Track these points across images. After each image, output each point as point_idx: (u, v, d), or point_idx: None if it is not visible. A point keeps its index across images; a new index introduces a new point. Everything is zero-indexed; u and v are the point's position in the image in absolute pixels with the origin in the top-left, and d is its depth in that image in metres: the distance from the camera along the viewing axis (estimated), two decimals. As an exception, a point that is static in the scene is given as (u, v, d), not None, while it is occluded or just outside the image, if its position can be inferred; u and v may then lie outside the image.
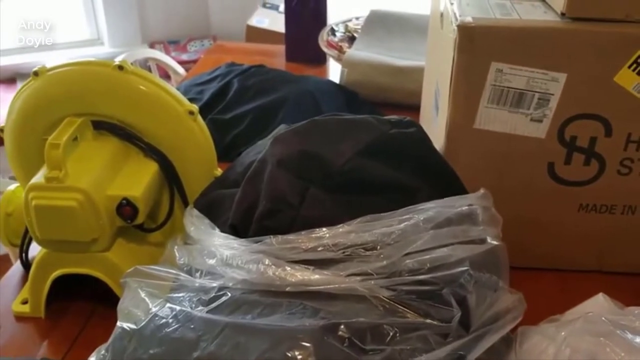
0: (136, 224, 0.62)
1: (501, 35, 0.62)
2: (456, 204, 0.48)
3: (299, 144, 0.52)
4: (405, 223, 0.45)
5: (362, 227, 0.45)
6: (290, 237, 0.46)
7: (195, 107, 0.66)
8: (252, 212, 0.50)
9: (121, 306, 0.48)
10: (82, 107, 0.64)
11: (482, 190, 0.52)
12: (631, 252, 0.71)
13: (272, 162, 0.51)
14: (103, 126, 0.64)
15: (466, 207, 0.48)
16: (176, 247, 0.52)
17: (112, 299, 0.63)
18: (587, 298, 0.57)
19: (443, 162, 0.54)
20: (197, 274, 0.48)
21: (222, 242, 0.48)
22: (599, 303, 0.50)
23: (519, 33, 0.62)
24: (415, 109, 1.05)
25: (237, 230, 0.50)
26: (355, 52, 1.14)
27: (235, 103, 1.03)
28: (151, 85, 0.64)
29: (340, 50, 1.17)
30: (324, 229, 0.45)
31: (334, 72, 1.25)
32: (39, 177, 0.59)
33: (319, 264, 0.44)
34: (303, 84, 1.08)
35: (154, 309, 0.45)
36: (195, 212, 0.55)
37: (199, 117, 0.67)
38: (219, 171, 0.69)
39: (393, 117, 0.56)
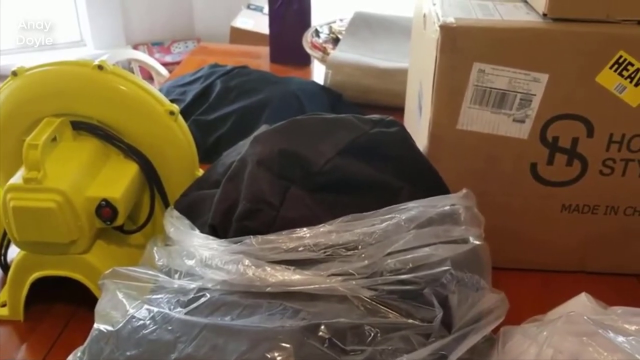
0: (116, 225, 0.61)
1: (483, 35, 0.62)
2: (438, 204, 0.48)
3: (279, 143, 0.52)
4: (387, 222, 0.45)
5: (343, 226, 0.45)
6: (271, 237, 0.45)
7: (175, 107, 0.65)
8: (232, 212, 0.49)
9: (99, 308, 0.47)
10: (61, 107, 0.63)
11: (464, 190, 0.52)
12: (614, 253, 0.71)
13: (252, 162, 0.51)
14: (82, 126, 0.63)
15: (448, 207, 0.48)
16: (155, 248, 0.51)
17: (92, 302, 0.62)
18: (570, 297, 0.57)
19: (425, 162, 0.54)
20: (176, 275, 0.47)
21: (201, 243, 0.47)
22: (582, 303, 0.50)
23: (500, 34, 0.62)
24: (400, 110, 1.05)
25: (217, 230, 0.49)
26: (340, 53, 1.14)
27: (218, 104, 1.02)
28: (131, 85, 0.63)
29: (325, 51, 1.17)
30: (305, 229, 0.45)
31: (318, 73, 1.25)
32: (17, 178, 0.58)
33: (300, 264, 0.44)
34: (287, 85, 1.07)
35: (131, 311, 0.44)
36: (175, 213, 0.54)
37: (180, 117, 0.66)
38: (200, 172, 0.68)
39: (375, 116, 0.56)
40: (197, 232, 0.49)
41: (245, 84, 1.06)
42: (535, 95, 0.64)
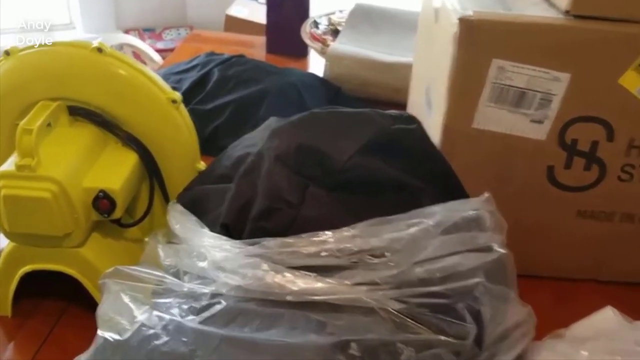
0: (113, 218, 0.58)
1: (504, 30, 0.60)
2: (462, 208, 0.45)
3: (298, 137, 0.49)
4: (415, 228, 0.42)
5: (368, 231, 0.42)
6: (291, 240, 0.42)
7: (178, 95, 0.62)
8: (246, 211, 0.46)
9: (101, 311, 0.44)
10: (57, 90, 0.59)
11: (486, 194, 0.49)
12: (628, 261, 0.69)
13: (270, 157, 0.47)
14: (79, 112, 0.60)
15: (473, 212, 0.45)
16: (160, 246, 0.48)
17: (85, 297, 0.59)
18: (583, 308, 0.54)
19: (445, 162, 0.51)
20: (186, 278, 0.44)
21: (213, 243, 0.44)
22: (609, 317, 0.47)
23: (522, 29, 0.59)
24: (400, 106, 1.02)
25: (230, 230, 0.46)
26: (340, 45, 1.11)
27: (215, 93, 0.99)
28: (132, 70, 0.60)
29: (324, 43, 1.13)
30: (328, 233, 0.42)
31: (315, 65, 1.21)
32: (9, 165, 0.54)
33: (321, 270, 0.41)
34: (285, 76, 1.04)
35: (140, 317, 0.41)
36: (179, 207, 0.51)
37: (182, 106, 0.63)
38: (201, 164, 0.65)
39: (393, 112, 0.53)
40: (206, 230, 0.46)
41: (243, 73, 1.02)
42: (555, 95, 0.61)
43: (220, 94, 0.98)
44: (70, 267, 0.59)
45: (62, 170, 0.55)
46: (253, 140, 0.55)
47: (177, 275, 0.44)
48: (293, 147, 0.48)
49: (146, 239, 0.52)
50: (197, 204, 0.51)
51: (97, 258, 0.59)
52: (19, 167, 0.53)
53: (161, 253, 0.47)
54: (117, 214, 0.57)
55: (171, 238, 0.50)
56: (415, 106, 0.89)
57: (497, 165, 0.66)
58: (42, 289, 0.64)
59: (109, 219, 0.58)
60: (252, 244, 0.42)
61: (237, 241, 0.43)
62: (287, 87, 1.00)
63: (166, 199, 0.63)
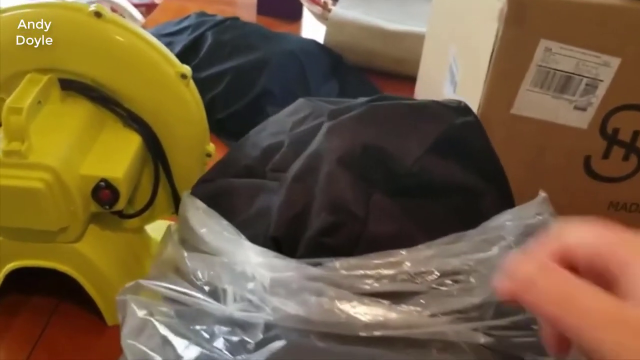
0: (115, 210, 0.51)
1: (556, 9, 0.54)
2: (527, 215, 0.40)
3: (363, 136, 0.42)
4: (496, 247, 0.36)
5: (446, 249, 0.36)
6: (360, 260, 0.36)
7: (188, 70, 0.54)
8: (301, 222, 0.39)
9: (128, 342, 0.37)
10: (46, 60, 0.51)
11: (542, 194, 0.44)
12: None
13: (331, 159, 0.40)
14: (73, 86, 0.52)
15: (538, 218, 0.40)
16: (185, 253, 0.41)
17: (77, 293, 0.53)
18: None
19: (498, 159, 0.46)
20: (229, 299, 0.37)
21: (263, 261, 0.37)
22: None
23: (576, 8, 0.54)
24: (402, 77, 0.97)
25: (281, 244, 0.40)
26: (342, 10, 1.04)
27: (209, 60, 0.91)
28: (135, 39, 0.52)
29: (325, 7, 1.06)
30: (403, 252, 0.36)
31: (309, 31, 1.14)
32: (-6, 150, 0.47)
33: (393, 297, 0.35)
34: (285, 43, 0.96)
35: (186, 357, 0.34)
36: (200, 204, 0.44)
37: (192, 82, 0.55)
38: (211, 146, 0.58)
39: (451, 101, 0.47)
40: (249, 242, 0.39)
41: (239, 38, 0.94)
42: (602, 81, 0.56)
43: (215, 61, 0.90)
44: (64, 264, 0.52)
45: (57, 156, 0.47)
46: (282, 126, 0.48)
47: (215, 295, 0.38)
48: (358, 148, 0.41)
49: (157, 238, 0.45)
50: (220, 200, 0.44)
51: (95, 253, 0.53)
52: (7, 153, 0.46)
53: (189, 264, 0.40)
54: (120, 205, 0.50)
55: (189, 238, 0.43)
56: (429, 83, 0.83)
57: (533, 153, 0.61)
58: (30, 283, 0.57)
59: (109, 211, 0.51)
60: (314, 264, 0.36)
61: (294, 260, 0.37)
62: (287, 55, 0.92)
63: (171, 186, 0.57)
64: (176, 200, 0.58)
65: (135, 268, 0.59)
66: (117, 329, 0.55)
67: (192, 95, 0.55)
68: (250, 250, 0.38)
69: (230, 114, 0.87)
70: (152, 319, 0.37)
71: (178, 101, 0.54)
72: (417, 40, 0.94)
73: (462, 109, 0.45)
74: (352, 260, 0.36)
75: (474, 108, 0.59)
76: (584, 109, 0.58)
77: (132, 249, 0.58)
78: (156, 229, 0.61)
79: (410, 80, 0.94)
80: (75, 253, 0.52)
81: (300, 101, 0.51)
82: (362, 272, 0.35)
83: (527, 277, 0.28)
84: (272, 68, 0.90)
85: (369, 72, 1.00)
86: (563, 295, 0.28)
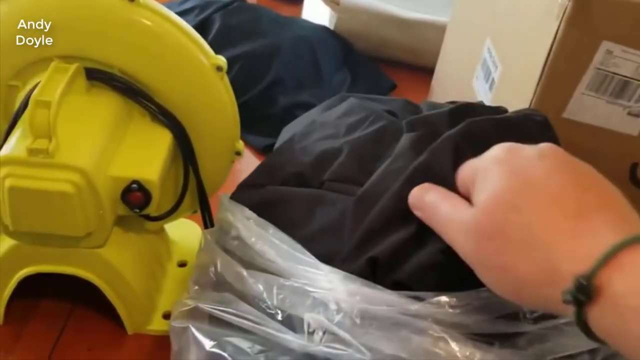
0: (145, 213, 0.47)
1: (620, 10, 0.50)
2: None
3: (461, 157, 0.38)
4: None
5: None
6: (468, 296, 0.32)
7: (224, 61, 0.50)
8: (405, 248, 0.35)
9: None
10: (70, 47, 0.46)
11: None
12: None
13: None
14: (99, 76, 0.47)
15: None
16: (245, 272, 0.36)
17: (94, 294, 0.48)
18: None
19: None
20: (309, 332, 0.32)
21: (351, 289, 0.32)
22: None
23: (641, 10, 0.50)
24: (417, 68, 0.93)
25: (375, 267, 0.35)
26: (354, -5, 0.99)
27: (218, 45, 0.83)
28: (170, 27, 0.47)
29: (336, -8, 1.01)
30: None
31: (310, 13, 1.09)
32: (16, 147, 0.42)
33: (500, 338, 0.31)
34: (295, 29, 0.92)
35: None
36: (251, 214, 0.39)
37: (226, 76, 0.51)
38: (240, 144, 0.54)
39: (527, 111, 0.43)
40: (326, 265, 0.35)
41: (248, 23, 0.89)
42: (659, 86, 0.53)
43: (224, 47, 0.85)
44: (86, 271, 0.48)
45: (87, 156, 0.43)
46: (334, 130, 0.44)
47: (289, 324, 0.33)
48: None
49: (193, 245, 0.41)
50: (272, 209, 0.40)
51: (119, 259, 0.48)
52: (32, 152, 0.41)
53: (252, 285, 0.35)
54: (152, 208, 0.46)
55: (236, 251, 0.39)
56: (452, 77, 0.79)
57: (580, 159, 0.58)
58: (41, 284, 0.52)
59: (139, 214, 0.46)
60: (414, 298, 0.32)
61: (390, 291, 0.33)
62: (299, 43, 0.88)
63: (199, 184, 0.52)
64: (202, 198, 0.53)
65: (159, 272, 0.54)
66: (138, 337, 0.52)
67: (226, 90, 0.51)
68: (333, 275, 0.34)
69: (239, 103, 0.82)
70: (224, 353, 0.32)
71: (212, 96, 0.50)
72: (434, 29, 0.91)
73: (540, 122, 0.42)
74: (463, 296, 0.32)
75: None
76: (637, 115, 0.55)
77: (154, 253, 0.54)
78: (171, 226, 0.57)
79: (424, 71, 0.90)
80: (98, 259, 0.47)
81: (350, 101, 0.47)
82: (471, 309, 0.31)
83: (419, 194, 0.37)
84: (284, 56, 0.85)
85: (380, 62, 0.96)
86: (431, 207, 0.36)
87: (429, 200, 0.37)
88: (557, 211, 0.31)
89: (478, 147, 0.37)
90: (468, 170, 0.37)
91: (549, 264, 0.29)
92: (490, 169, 0.34)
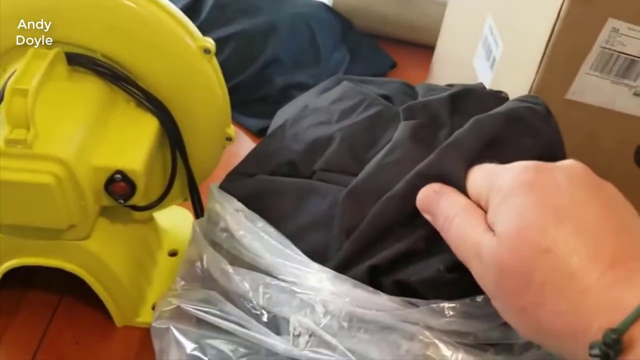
0: (130, 204, 0.45)
1: (628, -16, 0.48)
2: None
3: (470, 156, 0.35)
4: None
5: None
6: (471, 303, 0.30)
7: (212, 43, 0.48)
8: (411, 255, 0.33)
9: None
10: (49, 31, 0.44)
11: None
12: None
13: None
14: (81, 61, 0.45)
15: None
16: (231, 269, 0.35)
17: (82, 285, 0.47)
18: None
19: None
20: (294, 335, 0.31)
21: (340, 290, 0.30)
22: None
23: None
24: (416, 45, 0.91)
25: (379, 271, 0.33)
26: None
27: (212, 24, 0.83)
28: (154, 9, 0.45)
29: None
30: None
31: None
32: (-7, 138, 0.40)
33: (494, 344, 0.29)
34: (292, 6, 0.89)
35: None
36: (240, 206, 0.38)
37: (214, 58, 0.49)
38: (232, 129, 0.52)
39: (528, 98, 0.41)
40: (316, 264, 0.33)
41: (243, 0, 0.87)
42: (667, 66, 0.51)
43: (217, 25, 0.83)
44: (71, 263, 0.46)
45: (67, 146, 0.41)
46: (326, 115, 0.42)
47: (273, 325, 0.32)
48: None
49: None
50: (261, 201, 0.38)
51: (105, 251, 0.47)
52: (10, 142, 0.39)
53: (238, 283, 0.33)
54: (137, 199, 0.44)
55: (225, 244, 0.37)
56: (452, 55, 0.77)
57: (583, 141, 0.56)
58: (27, 276, 0.51)
59: (123, 205, 0.45)
60: (410, 303, 0.30)
61: (383, 295, 0.31)
62: (297, 21, 0.85)
63: (188, 172, 0.50)
64: (191, 187, 0.52)
65: (148, 263, 0.53)
66: (127, 329, 0.50)
67: (215, 73, 0.49)
68: (322, 274, 0.32)
69: (234, 85, 0.80)
70: (204, 358, 0.31)
71: (199, 80, 0.48)
72: (435, 6, 0.88)
73: (544, 113, 0.40)
74: (456, 303, 0.30)
75: (524, 90, 0.54)
76: (643, 96, 0.53)
77: (143, 243, 0.52)
78: (161, 214, 0.55)
79: (425, 48, 0.88)
80: (83, 251, 0.46)
81: (344, 85, 0.45)
82: (467, 317, 0.29)
83: (432, 196, 0.34)
84: (281, 34, 0.83)
85: (380, 40, 0.94)
86: (445, 216, 0.33)
87: (443, 208, 0.33)
88: (590, 256, 0.28)
89: (488, 147, 0.34)
90: (482, 177, 0.34)
91: (577, 315, 0.27)
92: (516, 194, 0.30)
